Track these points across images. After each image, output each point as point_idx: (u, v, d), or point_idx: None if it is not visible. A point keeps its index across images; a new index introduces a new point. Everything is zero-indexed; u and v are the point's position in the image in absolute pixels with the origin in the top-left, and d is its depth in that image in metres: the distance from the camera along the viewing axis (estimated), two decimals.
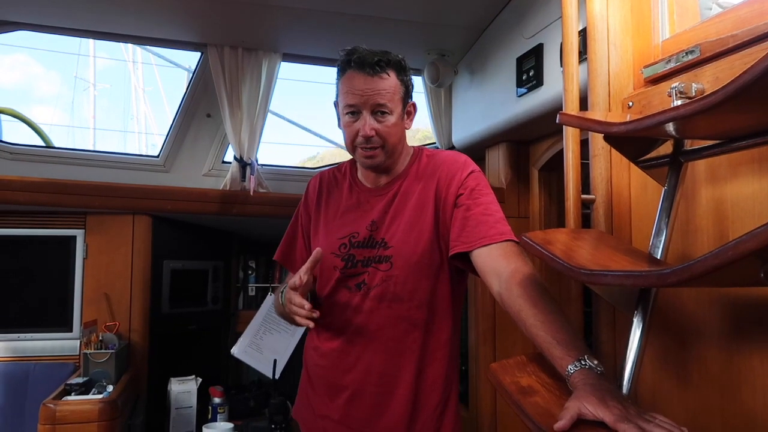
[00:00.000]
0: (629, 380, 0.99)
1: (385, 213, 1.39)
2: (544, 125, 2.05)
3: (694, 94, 1.03)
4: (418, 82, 2.85)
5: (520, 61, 2.06)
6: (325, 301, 1.42)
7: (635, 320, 1.01)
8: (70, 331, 2.32)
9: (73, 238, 2.36)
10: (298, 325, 1.30)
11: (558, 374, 0.97)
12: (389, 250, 1.34)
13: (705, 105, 0.76)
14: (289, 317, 1.36)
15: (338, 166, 1.55)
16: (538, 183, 2.36)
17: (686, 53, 1.12)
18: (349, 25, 2.34)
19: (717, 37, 1.06)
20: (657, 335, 1.12)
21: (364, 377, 1.34)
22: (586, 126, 1.17)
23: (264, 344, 2.63)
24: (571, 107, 1.35)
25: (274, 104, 2.67)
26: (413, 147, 1.48)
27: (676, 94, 1.03)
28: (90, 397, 1.87)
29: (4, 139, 2.61)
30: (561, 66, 1.43)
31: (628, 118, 1.05)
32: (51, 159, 2.57)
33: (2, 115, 2.72)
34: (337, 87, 1.38)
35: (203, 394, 2.39)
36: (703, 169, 1.07)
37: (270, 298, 2.71)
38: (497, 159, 2.45)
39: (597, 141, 1.30)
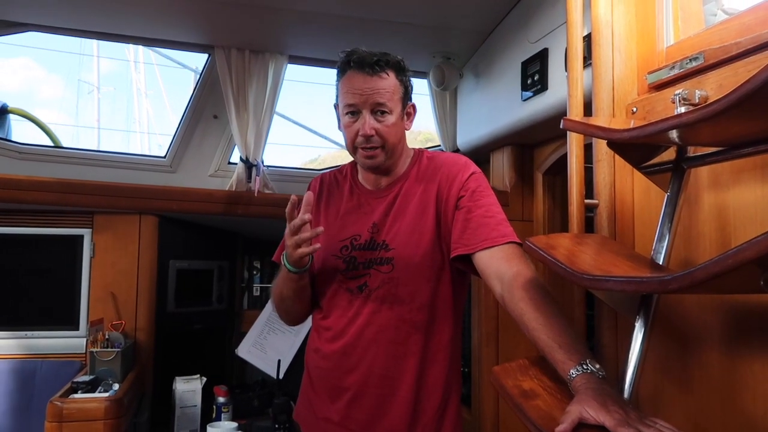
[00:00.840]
0: (631, 384, 0.99)
1: (386, 215, 1.39)
2: (549, 129, 2.05)
3: (697, 101, 1.03)
4: (423, 84, 2.86)
5: (525, 65, 2.07)
6: (326, 303, 1.42)
7: (637, 325, 1.02)
8: (77, 329, 2.35)
9: (80, 237, 2.38)
10: (301, 267, 1.30)
11: (560, 378, 0.98)
12: (390, 252, 1.35)
13: (708, 113, 0.77)
14: (296, 266, 1.31)
15: (339, 168, 1.55)
16: (542, 186, 2.37)
17: (690, 60, 1.12)
18: (355, 27, 2.35)
19: (721, 44, 1.06)
20: (659, 340, 1.13)
21: (365, 379, 1.34)
22: (589, 132, 1.17)
23: (268, 344, 2.65)
24: (576, 112, 1.35)
25: (278, 105, 2.68)
26: (413, 149, 1.49)
27: (679, 101, 1.03)
28: (96, 395, 1.89)
29: (13, 139, 2.64)
30: (566, 71, 1.43)
31: (631, 124, 1.06)
32: (59, 159, 2.59)
33: (12, 115, 2.74)
34: (337, 88, 1.38)
35: (208, 393, 2.41)
36: (706, 175, 1.07)
37: None
38: (501, 162, 2.46)
39: (601, 146, 1.31)
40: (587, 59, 1.39)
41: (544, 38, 1.97)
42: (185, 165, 2.77)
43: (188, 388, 2.35)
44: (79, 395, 1.87)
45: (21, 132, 2.79)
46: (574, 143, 1.35)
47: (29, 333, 2.31)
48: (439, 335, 1.36)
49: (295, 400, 1.56)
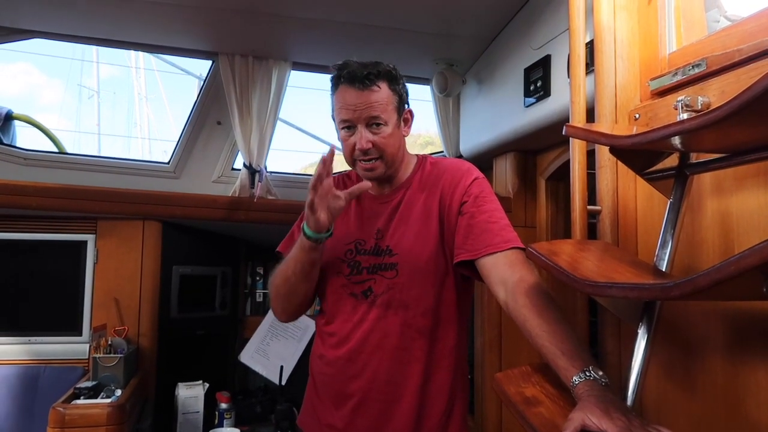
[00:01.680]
0: (634, 391, 0.99)
1: (390, 221, 1.39)
2: (551, 135, 2.05)
3: (700, 107, 1.03)
4: (426, 91, 2.87)
5: (528, 71, 2.07)
6: (330, 308, 1.42)
7: (640, 331, 1.01)
8: (80, 335, 2.35)
9: (84, 243, 2.39)
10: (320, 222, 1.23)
11: (562, 385, 0.98)
12: (395, 258, 1.35)
13: (710, 119, 0.77)
14: (317, 230, 1.25)
15: (347, 173, 1.55)
16: (545, 192, 2.36)
17: (693, 66, 1.12)
18: (358, 34, 2.36)
19: (723, 50, 1.06)
20: (662, 347, 1.12)
21: (370, 385, 1.34)
22: (592, 138, 1.17)
23: (271, 350, 2.65)
24: (578, 118, 1.35)
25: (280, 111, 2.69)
26: (417, 155, 1.49)
27: (682, 107, 1.03)
28: (99, 401, 1.89)
29: (18, 145, 2.65)
30: (568, 77, 1.43)
31: (634, 131, 1.06)
32: (63, 165, 2.61)
33: (16, 121, 2.76)
34: (332, 102, 1.38)
35: (210, 399, 2.40)
36: (709, 181, 1.07)
37: None
38: (504, 168, 2.46)
39: (603, 152, 1.31)
40: (590, 66, 1.39)
41: (546, 45, 1.97)
42: (189, 171, 2.78)
43: (191, 394, 2.35)
44: (81, 401, 1.87)
45: (26, 138, 2.80)
46: (576, 149, 1.35)
47: (32, 338, 2.32)
48: (443, 341, 1.36)
49: (298, 406, 1.56)
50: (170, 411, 2.36)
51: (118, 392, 1.96)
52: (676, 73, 1.17)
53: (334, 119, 1.41)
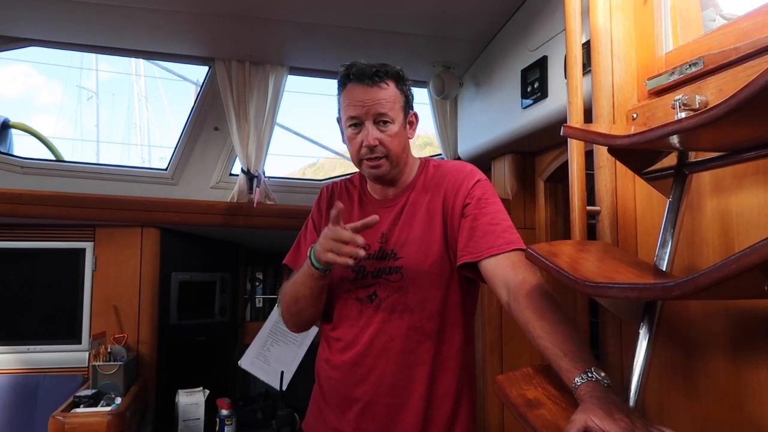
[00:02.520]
0: (636, 392, 0.98)
1: (394, 225, 1.39)
2: (549, 137, 2.05)
3: (698, 106, 1.03)
4: (423, 93, 2.87)
5: (525, 73, 2.07)
6: (336, 314, 1.42)
7: (641, 332, 1.01)
8: (79, 343, 2.34)
9: (82, 251, 2.38)
10: (332, 264, 1.22)
11: (564, 386, 0.97)
12: (399, 261, 1.35)
13: (708, 118, 0.76)
14: (323, 264, 1.26)
15: (350, 178, 1.56)
16: (544, 194, 2.36)
17: (690, 65, 1.12)
18: (355, 38, 2.36)
19: (720, 49, 1.06)
20: (663, 347, 1.12)
21: (376, 389, 1.34)
22: (589, 138, 1.17)
23: (271, 356, 2.64)
24: (576, 119, 1.35)
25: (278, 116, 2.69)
26: (421, 158, 1.50)
27: (680, 106, 1.03)
28: (99, 409, 1.88)
29: (14, 153, 2.64)
30: (565, 78, 1.43)
31: (632, 131, 1.05)
32: (60, 172, 2.60)
33: (13, 129, 2.76)
34: (339, 102, 1.39)
35: (211, 406, 2.39)
36: (708, 180, 1.07)
37: (277, 310, 2.72)
38: (503, 170, 2.46)
39: (602, 153, 1.31)
40: (587, 66, 1.39)
41: (543, 46, 1.97)
42: (187, 177, 2.77)
43: (191, 401, 2.34)
44: (81, 409, 1.86)
45: (22, 146, 2.80)
46: (575, 150, 1.35)
47: (31, 347, 2.31)
48: (449, 343, 1.36)
49: (299, 411, 1.55)
50: (171, 418, 2.35)
51: (118, 400, 1.95)
52: (673, 73, 1.17)
53: (339, 122, 1.42)
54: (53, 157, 2.79)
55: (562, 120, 1.42)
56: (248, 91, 2.56)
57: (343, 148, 1.50)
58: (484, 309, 2.31)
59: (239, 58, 2.53)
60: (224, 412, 2.40)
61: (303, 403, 1.55)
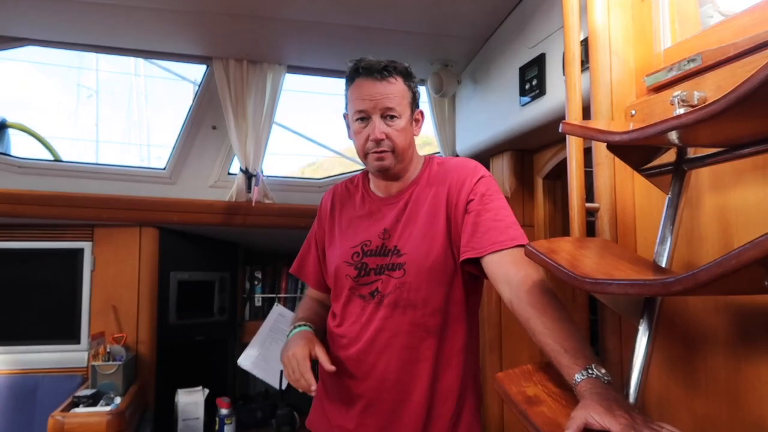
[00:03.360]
0: (636, 389, 0.98)
1: (397, 221, 1.39)
2: (548, 134, 2.05)
3: (696, 102, 1.03)
4: (421, 91, 2.86)
5: (523, 70, 2.07)
6: (340, 311, 1.43)
7: (641, 328, 1.01)
8: (78, 343, 2.34)
9: (81, 251, 2.38)
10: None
11: (564, 383, 0.97)
12: (402, 257, 1.35)
13: (707, 113, 0.76)
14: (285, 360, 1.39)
15: (351, 179, 1.57)
16: (543, 191, 2.36)
17: (688, 62, 1.12)
18: (353, 36, 2.36)
19: (718, 45, 1.06)
20: (663, 343, 1.12)
21: (379, 385, 1.34)
22: (588, 135, 1.17)
23: (271, 355, 2.63)
24: (574, 116, 1.35)
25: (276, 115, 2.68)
26: (424, 156, 1.50)
27: (678, 103, 1.03)
28: (98, 409, 1.88)
29: (12, 153, 2.64)
30: (563, 75, 1.43)
31: (630, 127, 1.05)
32: (59, 172, 2.59)
33: (11, 129, 2.75)
34: (346, 97, 1.40)
35: (210, 405, 2.39)
36: (707, 176, 1.07)
37: (276, 309, 2.72)
38: (501, 168, 2.46)
39: (600, 150, 1.31)
40: (585, 63, 1.39)
41: (541, 43, 1.97)
42: (185, 176, 2.77)
43: (191, 401, 2.34)
44: (80, 409, 1.86)
45: (20, 146, 2.79)
46: (573, 147, 1.35)
47: (30, 347, 2.31)
48: (452, 340, 1.36)
49: (299, 410, 1.56)
50: (170, 418, 2.35)
51: (118, 400, 1.95)
52: (671, 69, 1.17)
53: (345, 118, 1.43)
54: (51, 157, 2.78)
55: (560, 117, 1.42)
56: (246, 89, 2.56)
57: (343, 148, 1.50)
58: (483, 306, 2.31)
59: (237, 57, 2.53)
60: (224, 411, 2.40)
61: (303, 402, 1.55)
